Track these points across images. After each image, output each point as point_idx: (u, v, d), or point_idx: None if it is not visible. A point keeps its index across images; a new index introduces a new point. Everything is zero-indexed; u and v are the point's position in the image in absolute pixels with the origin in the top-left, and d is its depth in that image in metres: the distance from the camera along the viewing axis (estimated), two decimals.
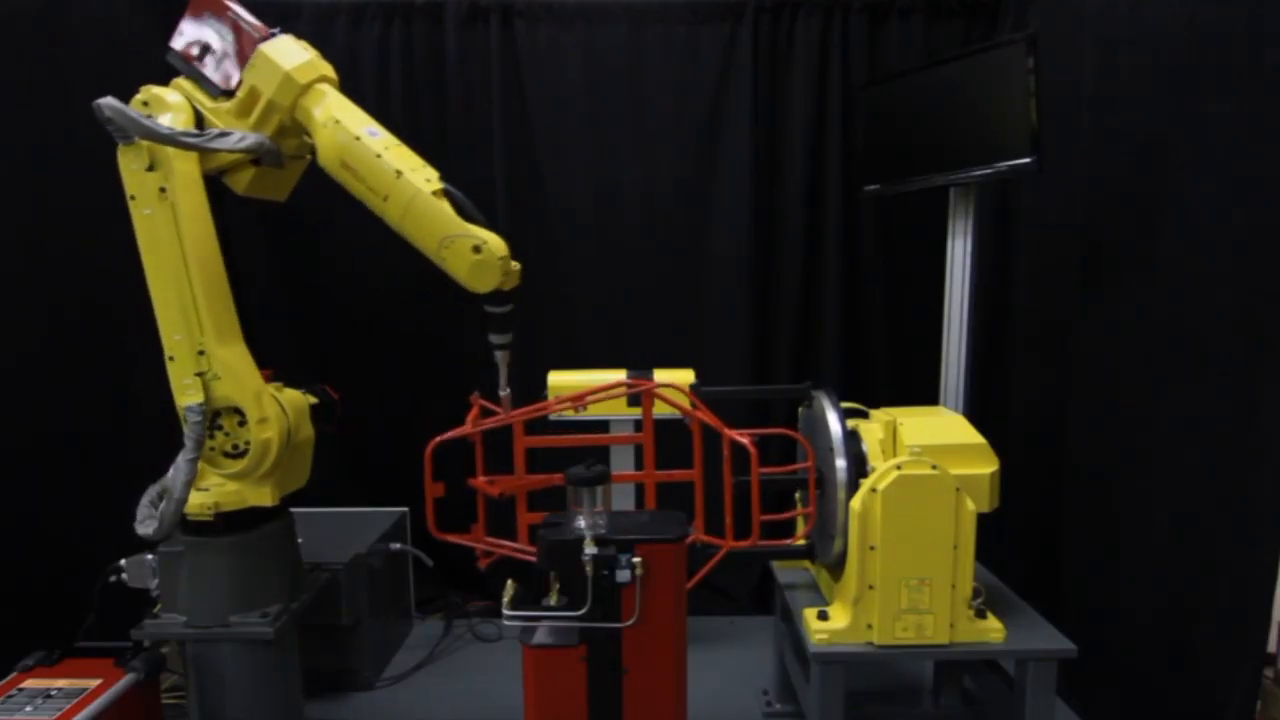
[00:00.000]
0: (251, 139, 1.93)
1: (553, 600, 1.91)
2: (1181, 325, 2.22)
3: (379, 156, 1.90)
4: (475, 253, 1.90)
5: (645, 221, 3.40)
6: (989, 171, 2.53)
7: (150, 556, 2.10)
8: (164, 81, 3.11)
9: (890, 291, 3.44)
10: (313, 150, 2.02)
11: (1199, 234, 2.17)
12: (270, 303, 3.41)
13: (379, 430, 3.46)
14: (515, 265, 1.99)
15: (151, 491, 1.99)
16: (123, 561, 2.12)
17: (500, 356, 2.09)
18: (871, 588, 1.94)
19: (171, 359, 1.99)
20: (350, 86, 3.29)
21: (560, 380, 2.80)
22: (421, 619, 3.41)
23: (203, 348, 1.98)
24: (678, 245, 3.41)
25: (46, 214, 2.59)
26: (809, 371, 3.43)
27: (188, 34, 1.96)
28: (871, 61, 3.29)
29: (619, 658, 1.93)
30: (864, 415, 2.26)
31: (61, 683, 1.98)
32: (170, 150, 1.90)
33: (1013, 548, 2.95)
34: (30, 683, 1.99)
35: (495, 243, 1.93)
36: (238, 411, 2.03)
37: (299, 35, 3.23)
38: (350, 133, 1.91)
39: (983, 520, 1.97)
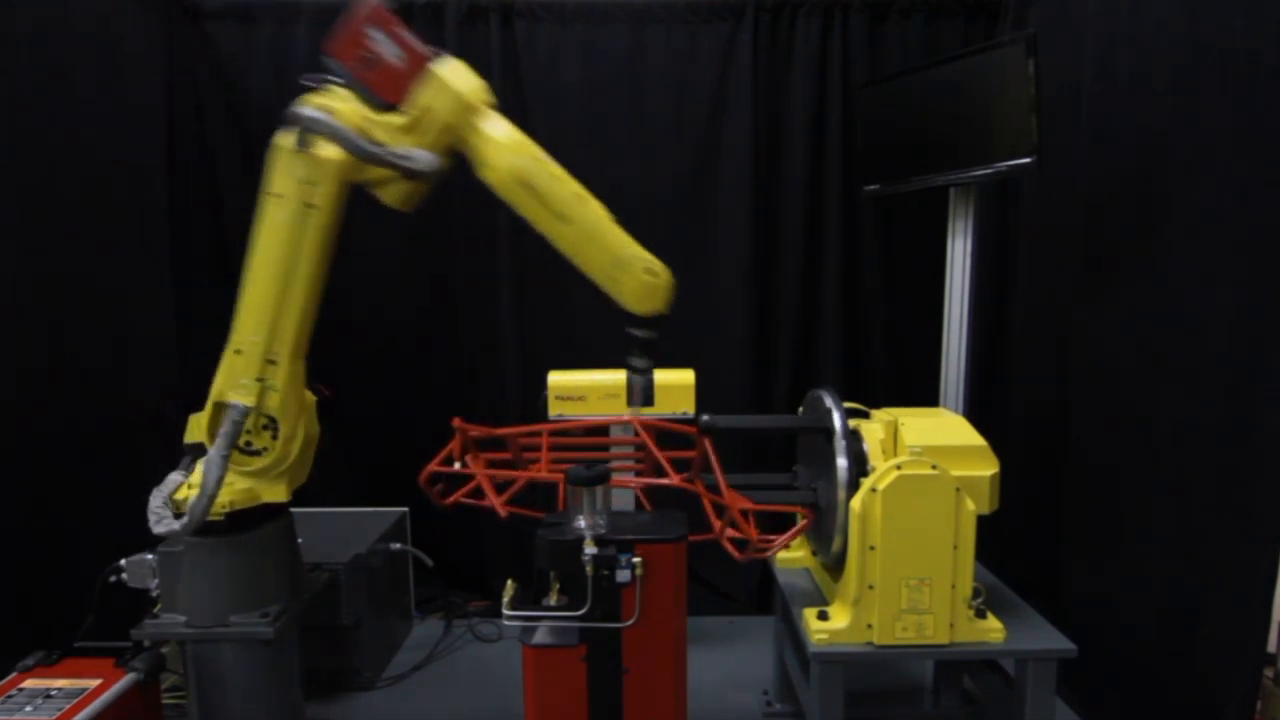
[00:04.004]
0: (434, 157, 1.93)
1: (553, 600, 1.91)
2: (1181, 325, 2.22)
3: (563, 179, 1.94)
4: (649, 275, 1.96)
5: (645, 221, 3.37)
6: (989, 171, 2.53)
7: (150, 556, 2.10)
8: (163, 84, 3.14)
9: (890, 292, 3.44)
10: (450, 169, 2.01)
11: (1199, 234, 2.17)
12: None
13: (379, 430, 3.46)
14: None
15: (161, 493, 1.99)
16: (123, 561, 2.11)
17: (637, 382, 2.12)
18: (871, 588, 1.94)
19: (238, 352, 1.98)
20: None
21: (560, 380, 2.80)
22: (421, 619, 3.41)
23: (275, 358, 1.99)
24: (678, 245, 3.40)
25: (47, 215, 2.58)
26: (809, 371, 3.44)
27: (350, 42, 1.92)
28: (871, 61, 3.29)
29: (619, 657, 1.93)
30: (864, 415, 2.26)
31: (61, 683, 1.98)
32: (332, 170, 1.89)
33: (1013, 548, 2.95)
34: (30, 683, 1.99)
35: (664, 268, 1.98)
36: (273, 424, 2.03)
37: (299, 35, 3.28)
38: (534, 153, 1.93)
39: (983, 520, 1.97)
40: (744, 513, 2.02)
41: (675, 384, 2.66)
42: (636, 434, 2.10)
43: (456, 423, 2.02)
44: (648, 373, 2.10)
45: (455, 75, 1.92)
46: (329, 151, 1.87)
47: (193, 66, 3.29)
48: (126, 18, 2.95)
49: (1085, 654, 2.00)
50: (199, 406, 2.09)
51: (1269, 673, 2.01)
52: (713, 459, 2.02)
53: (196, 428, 2.09)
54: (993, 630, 1.98)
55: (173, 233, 3.18)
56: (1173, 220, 2.26)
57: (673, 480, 1.97)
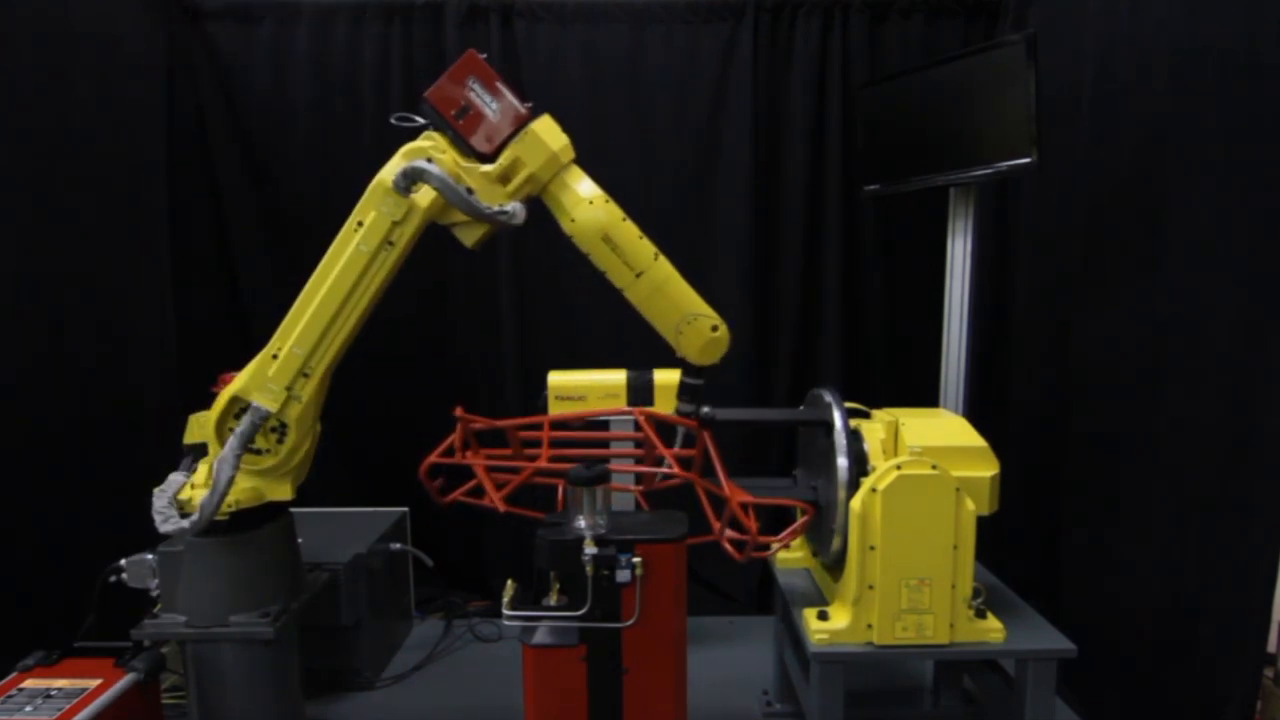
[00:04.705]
0: (524, 210, 2.02)
1: (553, 600, 1.92)
2: (1181, 325, 2.22)
3: (641, 238, 2.03)
4: (713, 331, 2.05)
5: (645, 221, 3.36)
6: (989, 171, 2.53)
7: (150, 556, 2.10)
8: (163, 84, 3.14)
9: (890, 291, 3.44)
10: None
11: (1199, 234, 2.17)
12: (275, 304, 3.41)
13: (379, 430, 3.46)
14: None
15: (166, 493, 2.00)
16: (123, 561, 2.11)
17: (683, 429, 2.22)
18: (871, 588, 1.94)
19: (274, 357, 2.01)
20: (350, 86, 3.33)
21: (560, 380, 2.79)
22: (421, 619, 3.41)
23: (310, 372, 2.04)
24: (677, 245, 3.38)
25: (47, 215, 2.58)
26: (809, 371, 3.43)
27: (450, 91, 1.99)
28: (871, 61, 3.29)
29: (619, 657, 1.93)
30: (865, 415, 2.26)
31: (61, 683, 1.98)
32: (422, 213, 1.97)
33: (1013, 548, 2.95)
34: (30, 683, 1.99)
35: (724, 324, 2.07)
36: (282, 429, 2.05)
37: (299, 35, 3.28)
38: (619, 212, 2.03)
39: (983, 520, 1.97)
40: (744, 507, 2.02)
41: (676, 383, 2.66)
42: (638, 426, 2.12)
43: (459, 412, 2.05)
44: (690, 415, 2.20)
45: (547, 132, 1.99)
46: (423, 196, 1.95)
47: (193, 66, 3.29)
48: (126, 18, 2.95)
49: (1085, 654, 2.00)
50: (199, 407, 2.09)
51: (1269, 673, 2.01)
52: (713, 452, 2.03)
53: (197, 428, 2.09)
54: (993, 630, 1.98)
55: (173, 233, 3.18)
56: (1172, 220, 2.26)
57: (673, 470, 1.98)
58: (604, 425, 2.72)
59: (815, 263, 3.41)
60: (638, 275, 2.02)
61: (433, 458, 2.03)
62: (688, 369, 2.13)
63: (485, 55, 2.01)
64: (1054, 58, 2.60)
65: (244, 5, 3.28)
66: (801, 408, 2.43)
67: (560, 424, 2.20)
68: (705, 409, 2.11)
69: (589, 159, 3.47)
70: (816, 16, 3.27)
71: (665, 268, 2.04)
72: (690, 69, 3.33)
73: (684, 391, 2.17)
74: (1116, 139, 2.49)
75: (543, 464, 2.02)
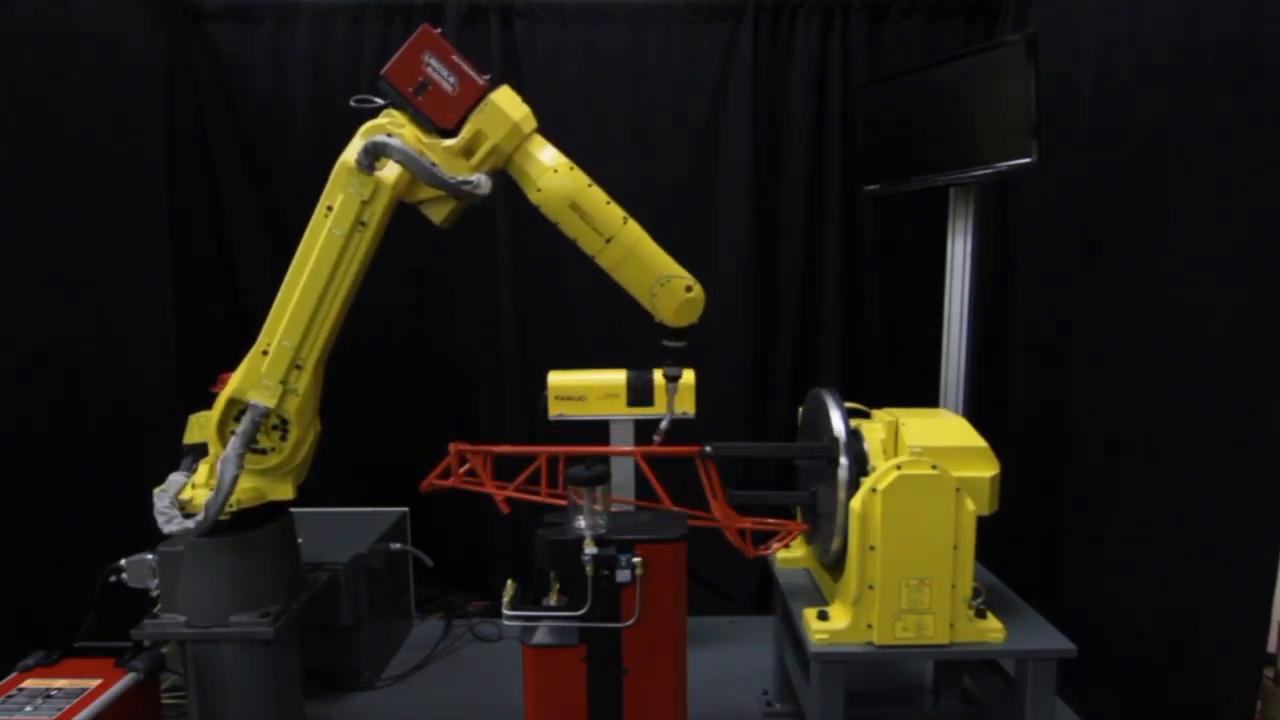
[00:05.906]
0: (490, 181, 2.01)
1: (553, 600, 1.92)
2: (1181, 325, 2.22)
3: (608, 203, 2.02)
4: (688, 291, 2.04)
5: (645, 221, 3.36)
6: (989, 171, 2.53)
7: (150, 556, 2.10)
8: (163, 84, 3.14)
9: (890, 291, 3.44)
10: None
11: (1199, 234, 2.17)
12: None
13: (379, 430, 3.46)
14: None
15: (167, 494, 2.00)
16: (123, 561, 2.11)
17: (671, 389, 2.20)
18: (871, 588, 1.94)
19: (265, 353, 2.01)
20: (350, 86, 3.32)
21: (560, 380, 2.80)
22: (421, 619, 3.41)
23: (302, 363, 2.02)
24: (677, 245, 3.36)
25: (47, 215, 2.58)
26: (809, 371, 3.44)
27: (406, 67, 1.98)
28: (871, 61, 3.29)
29: (619, 657, 1.93)
30: (865, 415, 2.26)
31: (61, 683, 1.98)
32: (389, 190, 1.95)
33: (1013, 548, 2.95)
34: (30, 683, 1.99)
35: (698, 284, 2.06)
36: (284, 425, 2.05)
37: (299, 35, 3.28)
38: (585, 178, 2.02)
39: (983, 520, 1.97)
40: (741, 531, 2.05)
41: None
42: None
43: (454, 447, 2.09)
44: (678, 378, 2.17)
45: (508, 102, 1.98)
46: (389, 173, 1.94)
47: (193, 67, 3.29)
48: (126, 18, 2.95)
49: (1085, 654, 2.00)
50: (199, 407, 2.09)
51: (1269, 673, 2.01)
52: (714, 480, 2.04)
53: (197, 428, 2.09)
54: (993, 630, 1.98)
55: (173, 233, 3.18)
56: (1172, 220, 2.26)
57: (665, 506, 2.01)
58: (603, 428, 2.73)
59: (815, 263, 3.41)
60: (608, 241, 2.01)
61: (430, 479, 2.08)
62: (666, 332, 2.11)
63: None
64: (1054, 58, 2.60)
65: (244, 5, 3.28)
66: (801, 409, 2.43)
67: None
68: (707, 447, 2.10)
69: (589, 159, 3.46)
70: (816, 16, 3.27)
71: (635, 231, 2.04)
72: (690, 69, 3.32)
73: (668, 355, 2.15)
74: (1116, 139, 2.49)
75: (543, 496, 2.04)
